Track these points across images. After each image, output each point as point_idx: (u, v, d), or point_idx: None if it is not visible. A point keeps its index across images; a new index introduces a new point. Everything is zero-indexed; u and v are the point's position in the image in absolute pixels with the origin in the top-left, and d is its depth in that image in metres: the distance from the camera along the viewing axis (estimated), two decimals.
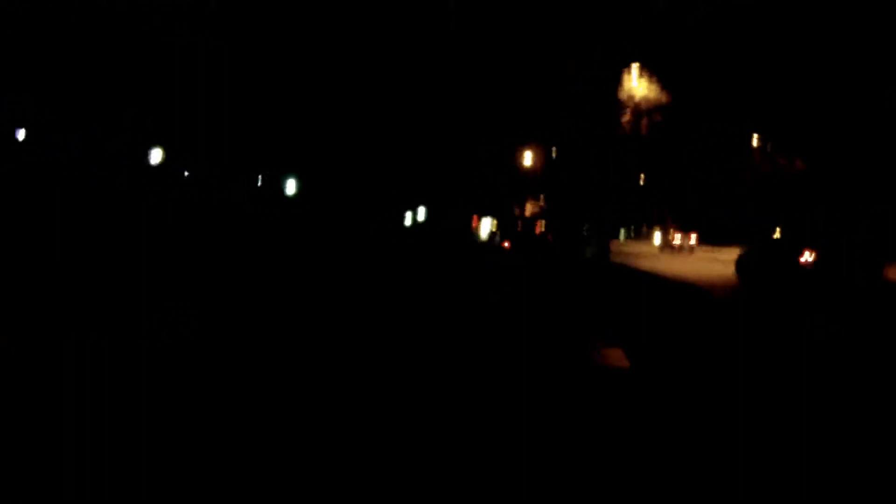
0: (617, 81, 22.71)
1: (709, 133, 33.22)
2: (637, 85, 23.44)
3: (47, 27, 29.65)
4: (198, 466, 4.98)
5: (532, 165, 37.17)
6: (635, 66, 23.31)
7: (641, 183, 30.70)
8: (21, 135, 33.04)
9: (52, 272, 16.71)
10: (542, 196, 45.76)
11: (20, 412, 6.24)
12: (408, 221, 61.45)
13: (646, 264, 28.22)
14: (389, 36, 34.68)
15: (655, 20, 22.41)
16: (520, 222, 47.91)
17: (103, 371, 7.69)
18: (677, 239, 43.88)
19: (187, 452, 5.26)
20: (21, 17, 29.00)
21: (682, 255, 39.16)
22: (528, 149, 36.49)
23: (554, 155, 33.34)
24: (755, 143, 39.75)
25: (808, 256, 17.80)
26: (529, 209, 48.23)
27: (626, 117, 23.84)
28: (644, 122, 24.08)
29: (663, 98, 23.82)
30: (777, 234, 19.24)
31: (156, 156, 35.22)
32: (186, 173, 39.17)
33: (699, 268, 26.41)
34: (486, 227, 57.04)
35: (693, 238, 43.99)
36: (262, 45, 35.25)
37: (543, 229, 47.33)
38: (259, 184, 44.30)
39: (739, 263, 20.32)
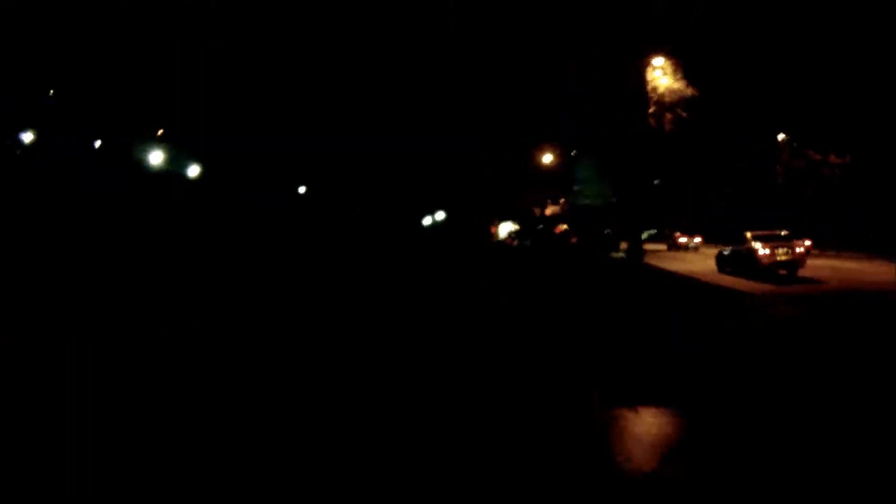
0: (639, 81, 22.26)
1: (716, 139, 33.12)
2: (656, 84, 22.96)
3: (47, 27, 29.66)
4: (198, 464, 4.97)
5: (552, 167, 36.93)
6: (656, 65, 22.73)
7: (656, 184, 30.36)
8: (21, 135, 33.06)
9: (52, 272, 16.71)
10: (562, 198, 45.61)
11: (21, 411, 6.23)
12: (418, 225, 61.00)
13: (654, 262, 28.65)
14: (390, 35, 34.67)
15: (656, 20, 22.26)
16: (540, 224, 47.75)
17: (103, 370, 7.68)
18: (683, 239, 45.15)
19: (187, 451, 5.24)
20: (21, 17, 29.00)
21: (688, 253, 40.20)
22: (547, 150, 36.28)
23: (573, 154, 32.93)
24: (761, 146, 39.67)
25: (766, 251, 20.78)
26: (550, 211, 48.11)
27: (652, 109, 23.24)
28: (664, 120, 23.59)
29: (684, 96, 23.36)
30: (749, 235, 21.82)
31: (156, 156, 35.25)
32: (189, 174, 39.18)
33: (699, 264, 27.78)
34: (504, 229, 56.94)
35: (697, 239, 45.16)
36: (262, 46, 35.26)
37: (564, 230, 47.35)
38: (260, 184, 44.29)
39: (717, 259, 24.16)
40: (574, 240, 43.30)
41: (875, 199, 36.96)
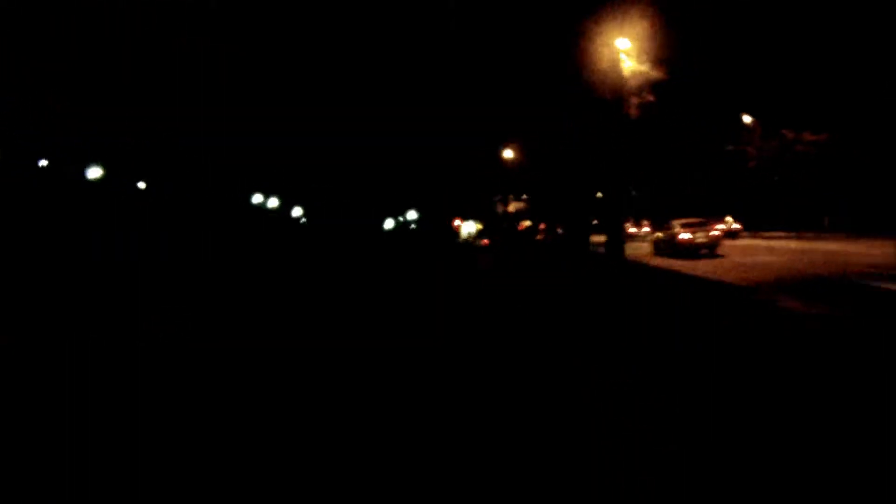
0: (612, 66, 21.69)
1: (684, 123, 33.07)
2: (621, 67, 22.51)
3: (47, 27, 29.70)
4: (195, 464, 5.00)
5: (518, 163, 36.55)
6: (620, 48, 22.18)
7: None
8: (21, 136, 33.10)
9: (51, 273, 16.75)
10: (524, 195, 45.27)
11: (20, 411, 6.27)
12: (391, 223, 60.53)
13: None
14: (389, 36, 34.68)
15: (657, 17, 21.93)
16: (505, 222, 47.63)
17: (101, 370, 7.72)
18: (633, 229, 46.02)
19: (185, 450, 5.27)
20: (21, 17, 29.04)
21: (634, 241, 40.91)
22: (514, 147, 35.84)
23: (541, 152, 32.25)
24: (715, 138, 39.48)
25: (686, 235, 25.17)
26: (513, 207, 47.90)
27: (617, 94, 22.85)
28: (630, 105, 23.22)
29: (650, 79, 22.93)
30: (674, 222, 26.66)
31: (154, 156, 35.30)
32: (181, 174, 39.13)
33: (641, 249, 30.38)
34: (466, 228, 56.24)
35: (646, 228, 46.12)
36: (261, 45, 35.29)
37: (528, 227, 47.22)
38: (254, 185, 44.29)
39: (654, 244, 28.43)
40: (540, 236, 43.10)
41: (850, 177, 37.02)
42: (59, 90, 31.96)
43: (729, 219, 39.12)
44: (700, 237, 25.05)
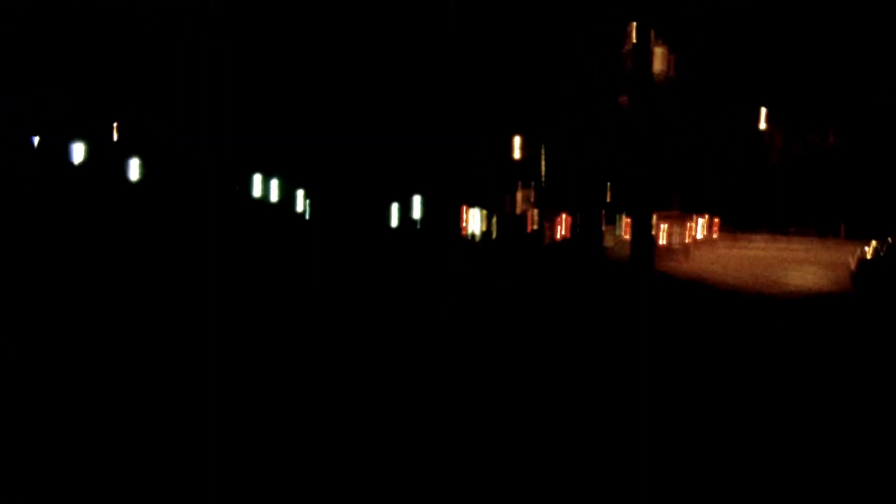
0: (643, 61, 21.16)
1: (701, 123, 33.12)
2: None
3: (47, 27, 29.67)
4: (193, 464, 5.01)
5: (527, 156, 36.18)
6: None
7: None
8: (21, 136, 33.05)
9: (51, 273, 16.76)
10: (532, 187, 45.13)
11: (19, 410, 6.28)
12: (397, 220, 59.84)
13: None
14: (389, 35, 34.61)
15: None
16: (513, 215, 47.29)
17: (101, 371, 7.73)
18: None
19: (183, 450, 5.28)
20: (21, 17, 29.02)
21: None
22: (523, 139, 35.46)
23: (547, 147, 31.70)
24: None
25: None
26: (520, 202, 47.59)
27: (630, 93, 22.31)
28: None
29: (667, 76, 22.51)
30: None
31: (154, 156, 35.22)
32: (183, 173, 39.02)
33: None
34: (474, 219, 55.79)
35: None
36: (261, 45, 35.23)
37: (537, 222, 46.94)
38: (254, 183, 44.06)
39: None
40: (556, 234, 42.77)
41: (871, 182, 36.58)
42: (59, 90, 31.88)
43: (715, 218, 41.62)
44: (676, 234, 28.06)
